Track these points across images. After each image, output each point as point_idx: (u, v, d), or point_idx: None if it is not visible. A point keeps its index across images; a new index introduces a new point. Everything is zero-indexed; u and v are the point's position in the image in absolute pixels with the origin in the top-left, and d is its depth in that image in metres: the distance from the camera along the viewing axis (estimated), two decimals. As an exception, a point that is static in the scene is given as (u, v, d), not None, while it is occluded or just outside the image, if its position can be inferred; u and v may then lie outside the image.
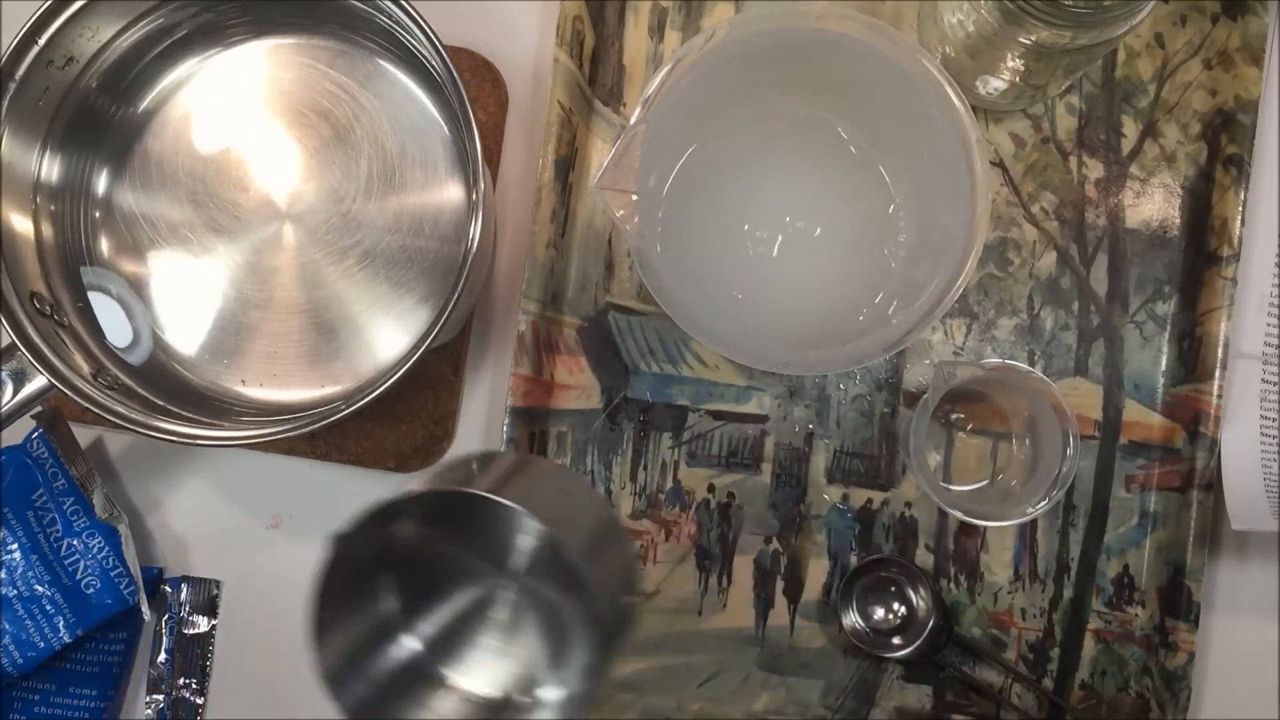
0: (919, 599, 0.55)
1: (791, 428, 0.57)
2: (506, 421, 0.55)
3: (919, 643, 0.54)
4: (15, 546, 0.55)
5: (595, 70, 0.58)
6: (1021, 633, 0.56)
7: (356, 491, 0.58)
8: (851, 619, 0.55)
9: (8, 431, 0.51)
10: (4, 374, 0.49)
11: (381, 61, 0.55)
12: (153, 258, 0.55)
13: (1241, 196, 0.55)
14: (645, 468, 0.57)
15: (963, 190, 0.48)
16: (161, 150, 0.56)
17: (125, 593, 0.56)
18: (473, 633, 0.34)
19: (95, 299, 0.55)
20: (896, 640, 0.55)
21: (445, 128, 0.55)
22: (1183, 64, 0.57)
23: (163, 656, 0.58)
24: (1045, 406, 0.53)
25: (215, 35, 0.55)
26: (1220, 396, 0.54)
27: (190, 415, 0.51)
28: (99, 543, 0.56)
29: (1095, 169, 0.57)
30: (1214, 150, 0.56)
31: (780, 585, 0.56)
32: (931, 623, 0.54)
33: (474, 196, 0.48)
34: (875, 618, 0.55)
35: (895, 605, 0.55)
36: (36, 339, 0.49)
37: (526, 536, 0.33)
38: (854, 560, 0.56)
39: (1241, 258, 0.55)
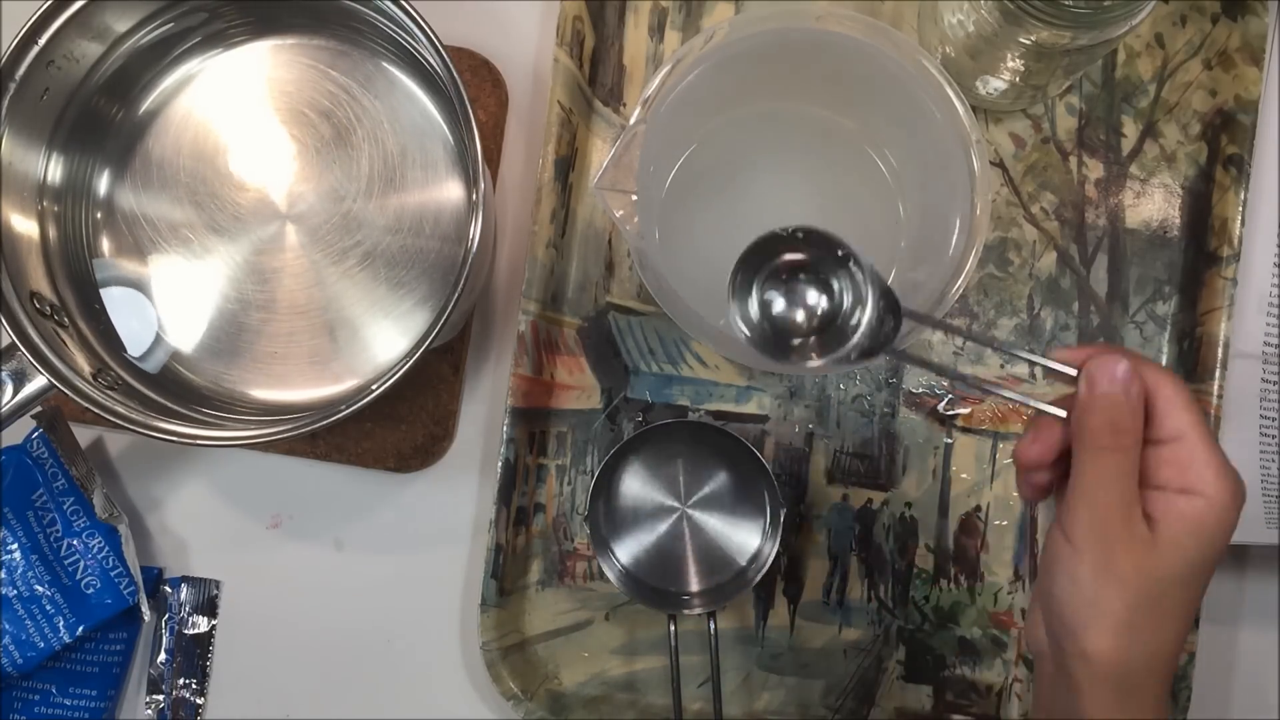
0: (843, 284, 0.39)
1: (791, 428, 0.57)
2: (506, 421, 0.55)
3: (850, 346, 0.39)
4: (15, 546, 0.55)
5: (595, 70, 0.58)
6: (1022, 633, 0.56)
7: (356, 491, 0.58)
8: (745, 310, 0.40)
9: (8, 431, 0.51)
10: (4, 374, 0.49)
11: (382, 62, 0.55)
12: (154, 258, 0.55)
13: (1241, 196, 0.55)
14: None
15: (963, 190, 0.48)
16: (163, 151, 0.56)
17: (125, 593, 0.56)
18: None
19: (110, 294, 0.55)
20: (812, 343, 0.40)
21: (445, 128, 0.55)
22: (1183, 64, 0.57)
23: (163, 656, 0.58)
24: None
25: (216, 36, 0.55)
26: (1220, 396, 0.54)
27: (190, 415, 0.51)
28: (99, 543, 0.56)
29: (1095, 169, 0.57)
30: (1214, 150, 0.56)
31: (780, 585, 0.57)
32: (868, 316, 0.38)
33: (474, 196, 0.48)
34: (781, 313, 0.40)
35: (810, 298, 0.40)
36: (36, 339, 0.49)
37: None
38: (854, 561, 0.56)
39: (1241, 258, 0.55)
